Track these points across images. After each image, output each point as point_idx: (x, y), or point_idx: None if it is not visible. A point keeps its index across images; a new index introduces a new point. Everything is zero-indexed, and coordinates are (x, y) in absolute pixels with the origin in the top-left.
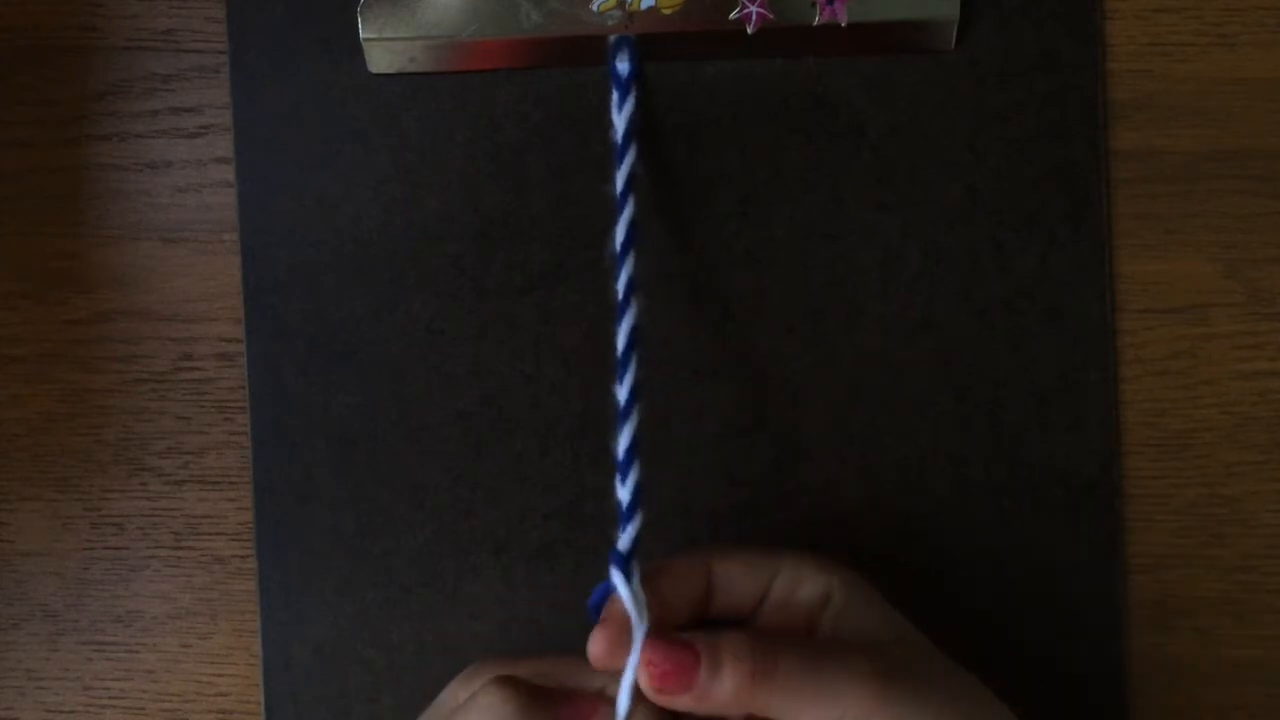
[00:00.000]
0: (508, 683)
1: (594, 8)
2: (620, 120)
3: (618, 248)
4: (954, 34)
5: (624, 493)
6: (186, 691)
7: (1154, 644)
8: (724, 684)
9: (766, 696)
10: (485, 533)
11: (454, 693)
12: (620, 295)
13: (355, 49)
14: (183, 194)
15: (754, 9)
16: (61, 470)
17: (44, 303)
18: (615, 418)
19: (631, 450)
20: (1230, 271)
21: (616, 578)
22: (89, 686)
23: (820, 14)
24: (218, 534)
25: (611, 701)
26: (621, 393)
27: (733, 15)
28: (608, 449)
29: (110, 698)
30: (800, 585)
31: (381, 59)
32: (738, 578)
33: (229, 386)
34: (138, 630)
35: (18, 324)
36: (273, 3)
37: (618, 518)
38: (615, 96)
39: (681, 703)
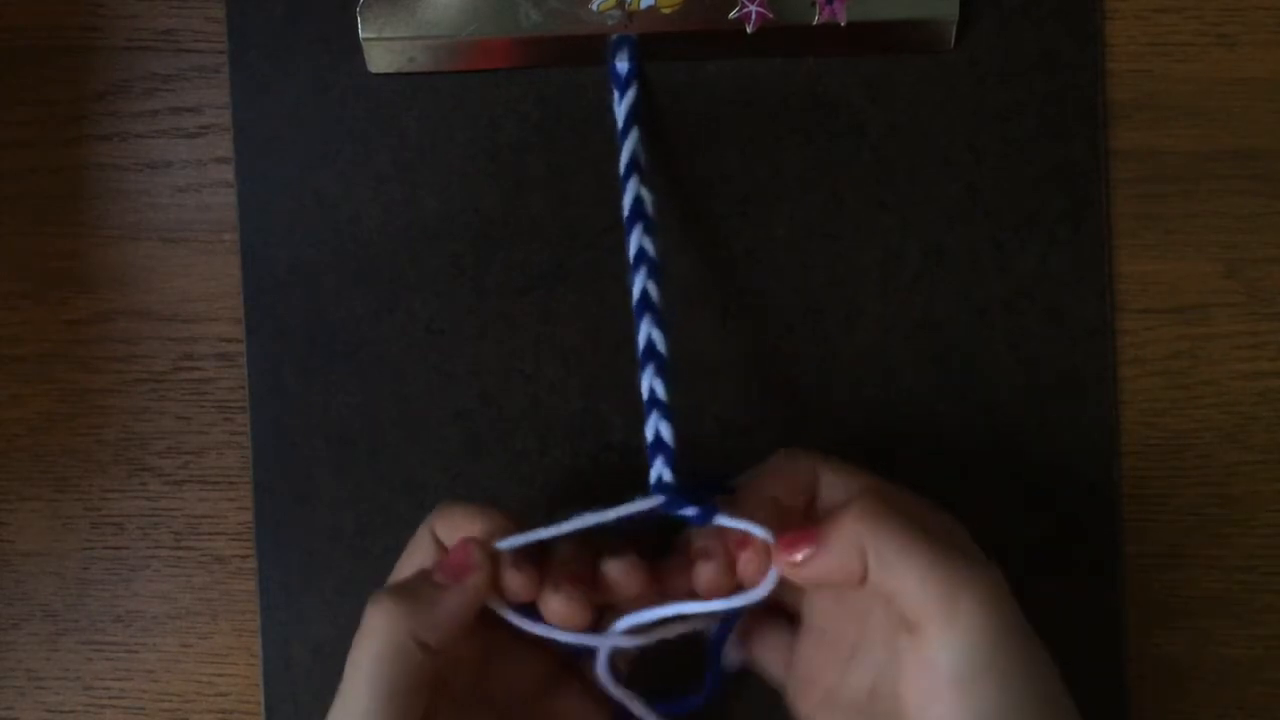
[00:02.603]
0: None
1: (594, 7)
2: (621, 109)
3: (624, 220)
4: (954, 34)
5: (649, 432)
6: (186, 691)
7: (1154, 644)
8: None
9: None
10: None
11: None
12: (631, 261)
13: (355, 49)
14: (183, 194)
15: (753, 8)
16: (61, 470)
17: (44, 303)
18: (639, 363)
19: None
20: (1230, 271)
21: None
22: (89, 686)
23: (820, 14)
24: (218, 534)
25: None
26: (640, 343)
27: (732, 15)
28: (608, 448)
29: (110, 698)
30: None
31: (381, 59)
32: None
33: (229, 386)
34: (138, 630)
35: (18, 324)
36: (273, 3)
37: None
38: (615, 96)
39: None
